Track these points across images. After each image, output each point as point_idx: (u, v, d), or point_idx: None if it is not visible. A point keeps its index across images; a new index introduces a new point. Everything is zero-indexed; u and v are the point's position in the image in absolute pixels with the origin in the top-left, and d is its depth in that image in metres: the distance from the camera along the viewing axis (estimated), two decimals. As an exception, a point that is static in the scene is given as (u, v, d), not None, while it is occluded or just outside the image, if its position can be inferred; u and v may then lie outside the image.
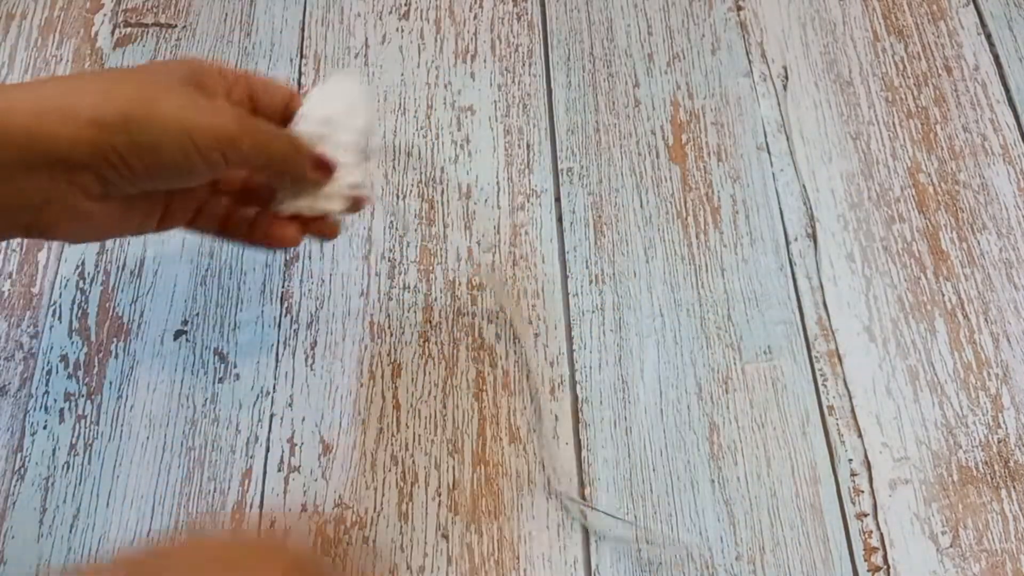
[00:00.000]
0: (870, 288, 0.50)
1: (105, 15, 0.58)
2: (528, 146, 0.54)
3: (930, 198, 0.52)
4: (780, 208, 0.52)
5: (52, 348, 0.48)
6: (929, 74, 0.56)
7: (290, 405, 0.47)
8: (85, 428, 0.46)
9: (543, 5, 0.59)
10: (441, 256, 0.51)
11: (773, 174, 0.53)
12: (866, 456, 0.46)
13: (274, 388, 0.47)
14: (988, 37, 0.58)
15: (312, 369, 0.48)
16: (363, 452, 0.46)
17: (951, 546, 0.44)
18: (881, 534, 0.44)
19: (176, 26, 0.58)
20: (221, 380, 0.47)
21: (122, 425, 0.46)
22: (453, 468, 0.45)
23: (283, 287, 0.50)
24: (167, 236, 0.39)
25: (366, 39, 0.57)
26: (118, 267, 0.50)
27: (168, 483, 0.45)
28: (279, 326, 0.49)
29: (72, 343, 0.48)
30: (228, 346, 0.48)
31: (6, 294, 0.49)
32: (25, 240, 0.51)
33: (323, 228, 0.40)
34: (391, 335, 0.48)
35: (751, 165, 0.53)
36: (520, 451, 0.46)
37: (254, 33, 0.58)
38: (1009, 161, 0.54)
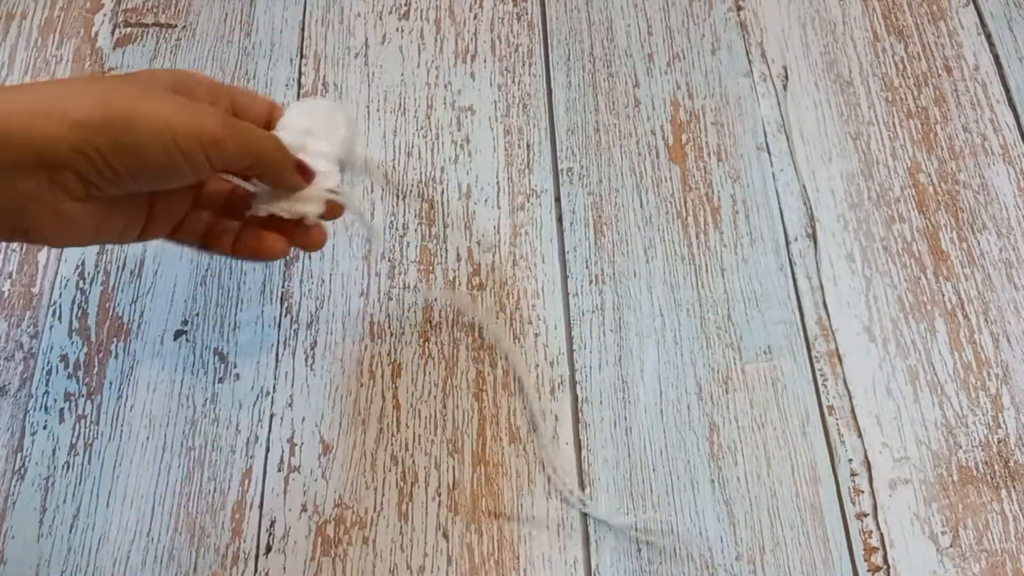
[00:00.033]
0: (870, 288, 0.50)
1: (105, 15, 0.58)
2: (528, 146, 0.54)
3: (930, 198, 0.53)
4: (780, 208, 0.52)
5: (52, 348, 0.48)
6: (929, 74, 0.56)
7: (290, 405, 0.47)
8: (85, 428, 0.46)
9: (543, 5, 0.59)
10: (441, 256, 0.51)
11: (773, 174, 0.53)
12: (866, 456, 0.46)
13: (274, 388, 0.47)
14: (988, 37, 0.58)
15: (312, 369, 0.48)
16: (363, 452, 0.46)
17: (951, 546, 0.44)
18: (881, 534, 0.44)
19: (176, 26, 0.58)
20: (221, 380, 0.47)
21: (122, 425, 0.46)
22: (453, 468, 0.45)
23: (283, 287, 0.50)
24: (174, 243, 0.40)
25: (366, 39, 0.57)
26: (118, 267, 0.50)
27: (168, 483, 0.45)
28: (279, 326, 0.49)
29: (72, 343, 0.48)
30: (228, 346, 0.48)
31: (6, 294, 0.49)
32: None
33: (308, 239, 0.40)
34: (391, 335, 0.48)
35: (751, 165, 0.53)
36: (520, 451, 0.46)
37: (254, 33, 0.58)
38: (1009, 161, 0.54)
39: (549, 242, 0.51)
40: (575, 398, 0.47)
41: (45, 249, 0.51)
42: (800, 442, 0.46)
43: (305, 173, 0.38)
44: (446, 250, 0.51)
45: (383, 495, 0.45)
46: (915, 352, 0.48)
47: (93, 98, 0.31)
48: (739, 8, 0.59)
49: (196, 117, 0.33)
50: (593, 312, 0.49)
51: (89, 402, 0.46)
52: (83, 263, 0.50)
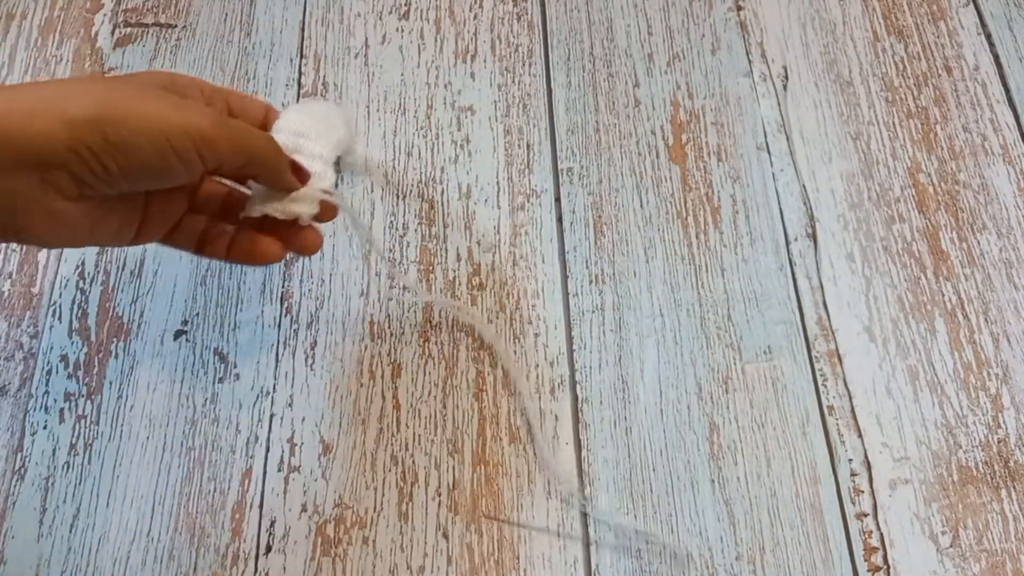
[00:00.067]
0: (870, 288, 0.50)
1: (105, 15, 0.58)
2: (528, 146, 0.54)
3: (930, 198, 0.53)
4: (780, 208, 0.52)
5: (52, 348, 0.48)
6: (929, 74, 0.56)
7: (290, 405, 0.47)
8: (85, 428, 0.46)
9: (543, 5, 0.59)
10: (441, 256, 0.51)
11: (773, 174, 0.53)
12: (866, 456, 0.46)
13: (274, 388, 0.47)
14: (988, 37, 0.58)
15: (312, 369, 0.48)
16: (363, 452, 0.46)
17: (951, 546, 0.44)
18: (881, 534, 0.44)
19: (176, 26, 0.58)
20: (221, 380, 0.47)
21: (122, 425, 0.46)
22: (453, 468, 0.45)
23: (283, 287, 0.50)
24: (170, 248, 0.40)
25: (366, 39, 0.57)
26: (118, 267, 0.50)
27: (168, 483, 0.45)
28: (279, 326, 0.49)
29: (72, 343, 0.48)
30: (228, 346, 0.48)
31: (6, 294, 0.49)
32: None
33: (303, 243, 0.40)
34: (391, 335, 0.48)
35: (751, 165, 0.53)
36: (520, 451, 0.46)
37: (254, 33, 0.58)
38: (1009, 161, 0.54)
39: (549, 242, 0.51)
40: (575, 398, 0.47)
41: (45, 249, 0.51)
42: (800, 442, 0.46)
43: (300, 173, 0.38)
44: (446, 250, 0.51)
45: (383, 495, 0.45)
46: (915, 352, 0.48)
47: (86, 97, 0.31)
48: (739, 8, 0.59)
49: (189, 116, 0.33)
50: (593, 312, 0.49)
51: (89, 402, 0.46)
52: (83, 263, 0.50)
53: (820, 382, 0.48)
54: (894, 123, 0.55)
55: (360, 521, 0.44)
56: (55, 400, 0.46)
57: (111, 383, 0.47)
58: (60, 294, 0.49)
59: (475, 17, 0.58)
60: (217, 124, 0.33)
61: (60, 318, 0.48)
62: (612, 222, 0.52)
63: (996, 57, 0.57)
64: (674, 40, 0.57)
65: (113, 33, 0.57)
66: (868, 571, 0.43)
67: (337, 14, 0.58)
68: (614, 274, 0.50)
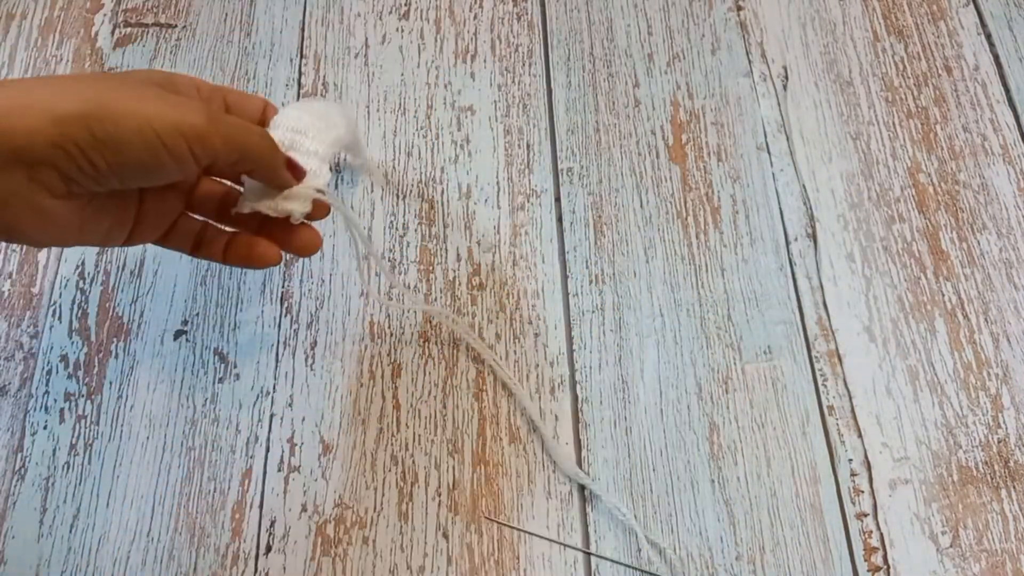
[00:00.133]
0: (870, 288, 0.50)
1: (105, 15, 0.58)
2: (528, 146, 0.54)
3: (930, 198, 0.52)
4: (780, 208, 0.52)
5: (52, 348, 0.48)
6: (929, 74, 0.56)
7: (290, 405, 0.47)
8: (85, 428, 0.46)
9: (543, 5, 0.59)
10: (441, 256, 0.51)
11: (773, 174, 0.53)
12: (866, 456, 0.46)
13: (274, 388, 0.47)
14: (988, 37, 0.58)
15: (312, 369, 0.48)
16: (363, 452, 0.46)
17: (951, 546, 0.44)
18: (881, 534, 0.44)
19: (176, 26, 0.58)
20: (221, 380, 0.47)
21: (122, 425, 0.46)
22: (453, 468, 0.45)
23: (283, 287, 0.50)
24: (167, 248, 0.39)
25: (366, 39, 0.57)
26: (118, 267, 0.50)
27: (168, 483, 0.45)
28: (279, 326, 0.49)
29: (72, 343, 0.48)
30: (228, 346, 0.48)
31: (6, 294, 0.49)
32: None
33: (300, 244, 0.40)
34: (391, 335, 0.48)
35: (751, 165, 0.53)
36: (520, 451, 0.46)
37: (254, 33, 0.58)
38: (1009, 161, 0.54)
39: (549, 242, 0.51)
40: (575, 398, 0.47)
41: (45, 249, 0.51)
42: (800, 442, 0.46)
43: (295, 170, 0.38)
44: (446, 250, 0.51)
45: (383, 495, 0.45)
46: (915, 352, 0.48)
47: (76, 93, 0.30)
48: (739, 8, 0.59)
49: (180, 111, 0.32)
50: (593, 312, 0.49)
51: (89, 402, 0.46)
52: (83, 263, 0.50)
53: (820, 382, 0.48)
54: (894, 123, 0.55)
55: (360, 521, 0.44)
56: (55, 400, 0.46)
57: (111, 383, 0.47)
58: (60, 294, 0.49)
59: (475, 17, 0.58)
60: (210, 119, 0.33)
61: (60, 318, 0.48)
62: (612, 222, 0.52)
63: (996, 57, 0.57)
64: (674, 40, 0.57)
65: (113, 33, 0.57)
66: (868, 571, 0.43)
67: (337, 14, 0.58)
68: (614, 274, 0.50)
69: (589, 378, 0.48)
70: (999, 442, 0.46)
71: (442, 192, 0.52)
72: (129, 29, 0.58)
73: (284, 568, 0.43)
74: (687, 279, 0.50)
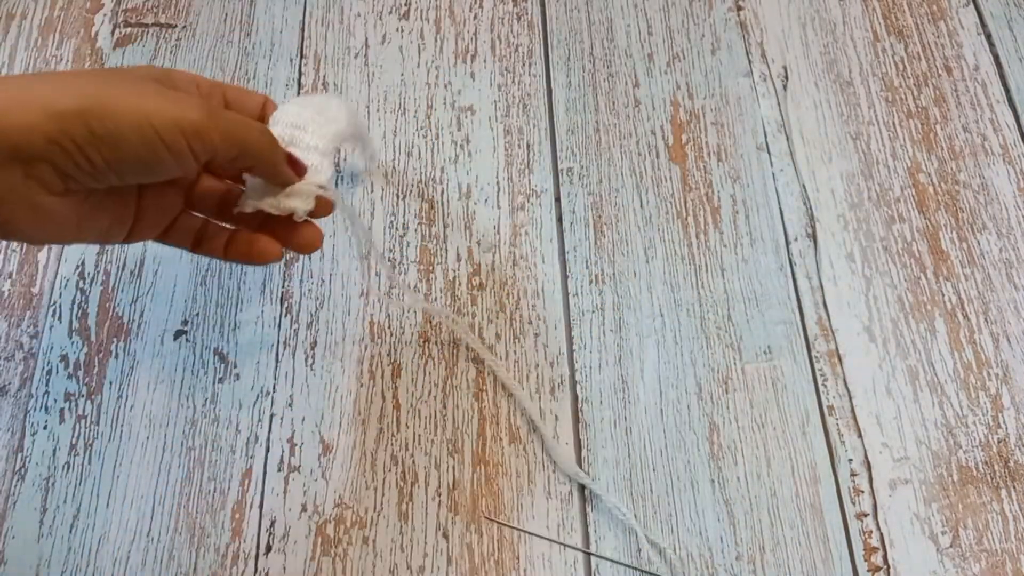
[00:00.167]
0: (870, 288, 0.50)
1: (105, 15, 0.58)
2: (528, 146, 0.54)
3: (930, 198, 0.52)
4: (780, 208, 0.52)
5: (52, 348, 0.48)
6: (929, 74, 0.56)
7: (290, 405, 0.47)
8: (85, 428, 0.46)
9: (543, 5, 0.59)
10: (441, 256, 0.51)
11: (773, 174, 0.53)
12: (866, 456, 0.46)
13: (274, 388, 0.47)
14: (988, 37, 0.58)
15: (312, 369, 0.48)
16: (363, 452, 0.46)
17: (951, 546, 0.44)
18: (881, 534, 0.44)
19: (176, 26, 0.58)
20: (221, 380, 0.47)
21: (122, 425, 0.46)
22: (453, 468, 0.45)
23: (283, 287, 0.50)
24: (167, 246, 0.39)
25: (366, 39, 0.57)
26: (118, 267, 0.50)
27: (168, 483, 0.45)
28: (279, 326, 0.49)
29: (72, 343, 0.48)
30: (228, 346, 0.48)
31: (6, 294, 0.49)
32: (25, 240, 0.51)
33: (302, 241, 0.39)
34: (391, 335, 0.48)
35: (751, 165, 0.53)
36: (520, 451, 0.46)
37: (254, 33, 0.58)
38: (1009, 161, 0.54)
39: (549, 242, 0.51)
40: (575, 398, 0.47)
41: (45, 249, 0.51)
42: (800, 442, 0.46)
43: (296, 166, 0.37)
44: (446, 250, 0.51)
45: (383, 495, 0.45)
46: (915, 352, 0.48)
47: (73, 89, 0.30)
48: (739, 8, 0.59)
49: (178, 106, 0.32)
50: (593, 312, 0.49)
51: (89, 402, 0.46)
52: (83, 263, 0.50)
53: (820, 382, 0.48)
54: (894, 123, 0.55)
55: (360, 521, 0.44)
56: (55, 400, 0.46)
57: (111, 383, 0.47)
58: (60, 294, 0.49)
59: (475, 17, 0.58)
60: (209, 115, 0.32)
61: (60, 318, 0.48)
62: (612, 222, 0.52)
63: (996, 57, 0.57)
64: (674, 40, 0.57)
65: (113, 33, 0.57)
66: (868, 571, 0.43)
67: (337, 14, 0.58)
68: (614, 274, 0.50)
69: (589, 378, 0.48)
70: (999, 442, 0.46)
71: (442, 192, 0.52)
72: (129, 29, 0.58)
73: (284, 568, 0.43)
74: (687, 279, 0.50)
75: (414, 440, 0.46)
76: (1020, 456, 0.46)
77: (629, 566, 0.43)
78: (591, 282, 0.50)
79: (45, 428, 0.46)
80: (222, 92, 0.38)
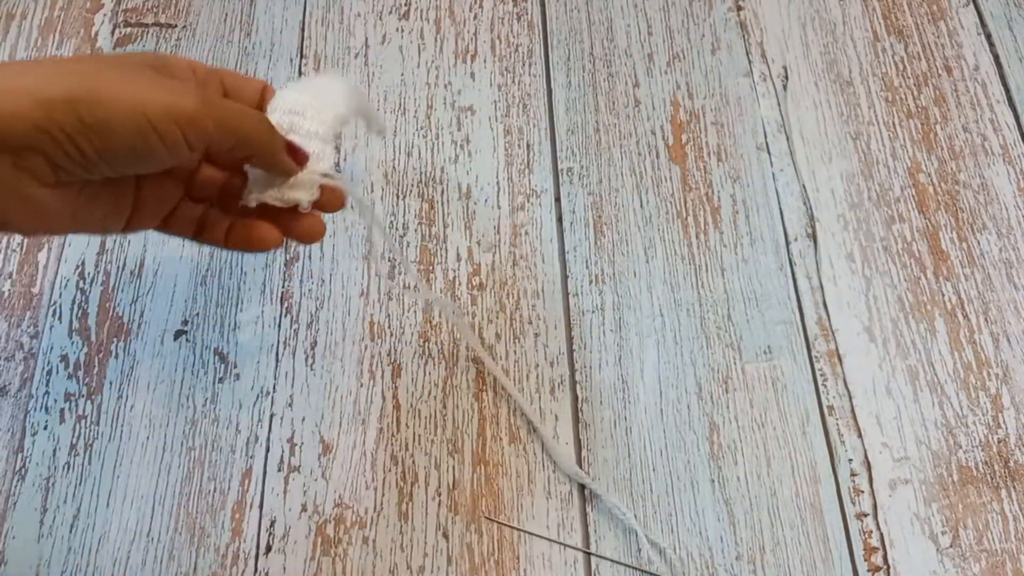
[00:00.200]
0: (870, 288, 0.50)
1: (105, 15, 0.58)
2: (528, 146, 0.54)
3: (930, 198, 0.52)
4: (780, 208, 0.52)
5: (52, 348, 0.48)
6: (929, 74, 0.56)
7: (290, 405, 0.47)
8: (85, 428, 0.46)
9: (543, 5, 0.59)
10: (441, 256, 0.51)
11: (773, 174, 0.53)
12: (866, 456, 0.46)
13: (274, 388, 0.47)
14: (988, 37, 0.58)
15: (312, 369, 0.48)
16: (363, 452, 0.46)
17: (951, 546, 0.44)
18: (881, 534, 0.44)
19: (176, 26, 0.58)
20: (221, 380, 0.47)
21: (122, 425, 0.46)
22: (453, 468, 0.45)
23: (283, 287, 0.50)
24: (167, 236, 0.39)
25: (366, 39, 0.57)
26: (118, 267, 0.50)
27: (168, 483, 0.45)
28: (279, 326, 0.49)
29: (72, 343, 0.48)
30: (228, 346, 0.48)
31: (6, 294, 0.49)
32: (25, 240, 0.51)
33: (305, 229, 0.38)
34: (391, 335, 0.48)
35: (751, 165, 0.53)
36: (520, 451, 0.46)
37: (254, 33, 0.58)
38: (1009, 161, 0.54)
39: (549, 242, 0.51)
40: (575, 398, 0.47)
41: (45, 249, 0.51)
42: (800, 442, 0.46)
43: (296, 154, 0.36)
44: (446, 250, 0.51)
45: (383, 495, 0.45)
46: (915, 352, 0.48)
47: (64, 77, 0.29)
48: (739, 8, 0.59)
49: (171, 94, 0.31)
50: (593, 312, 0.49)
51: (89, 402, 0.46)
52: (83, 263, 0.50)
53: (820, 382, 0.48)
54: (894, 123, 0.55)
55: (360, 521, 0.44)
56: (55, 400, 0.46)
57: (111, 383, 0.47)
58: (60, 294, 0.49)
59: (475, 17, 0.58)
60: (203, 103, 0.31)
61: (60, 318, 0.48)
62: (612, 222, 0.52)
63: (996, 57, 0.57)
64: (674, 40, 0.58)
65: (113, 33, 0.57)
66: (868, 571, 0.43)
67: (337, 14, 0.58)
68: (614, 274, 0.50)
69: (589, 378, 0.48)
70: (999, 442, 0.46)
71: (442, 192, 0.52)
72: (129, 29, 0.58)
73: (284, 568, 0.43)
74: (687, 279, 0.50)
75: (414, 440, 0.46)
76: (1020, 456, 0.46)
77: (629, 566, 0.43)
78: (591, 282, 0.50)
79: (45, 428, 0.46)
80: (220, 79, 0.37)
